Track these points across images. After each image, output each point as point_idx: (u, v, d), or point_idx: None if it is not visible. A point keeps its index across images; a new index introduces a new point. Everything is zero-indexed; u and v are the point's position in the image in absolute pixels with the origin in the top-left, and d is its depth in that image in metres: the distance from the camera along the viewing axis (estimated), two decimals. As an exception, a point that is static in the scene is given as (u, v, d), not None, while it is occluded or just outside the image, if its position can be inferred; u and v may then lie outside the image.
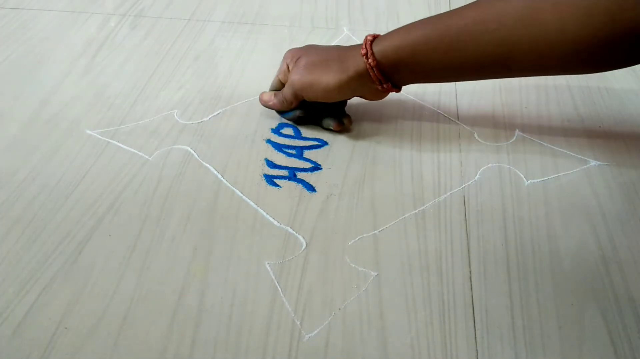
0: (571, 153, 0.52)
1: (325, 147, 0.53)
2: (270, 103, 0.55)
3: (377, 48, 0.48)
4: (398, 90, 0.51)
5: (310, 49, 0.53)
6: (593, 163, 0.51)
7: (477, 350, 0.37)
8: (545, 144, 0.53)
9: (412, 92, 0.60)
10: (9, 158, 0.51)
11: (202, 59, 0.65)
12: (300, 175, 0.50)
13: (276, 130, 0.55)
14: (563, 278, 0.41)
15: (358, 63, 0.49)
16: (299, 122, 0.55)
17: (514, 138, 0.54)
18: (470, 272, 0.42)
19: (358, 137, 0.54)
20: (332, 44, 0.68)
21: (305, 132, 0.55)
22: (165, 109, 0.57)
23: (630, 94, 0.60)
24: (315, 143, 0.53)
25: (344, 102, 0.55)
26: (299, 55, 0.52)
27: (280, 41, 0.69)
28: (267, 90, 0.56)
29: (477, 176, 0.50)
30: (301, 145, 0.53)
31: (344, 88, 0.50)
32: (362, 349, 0.37)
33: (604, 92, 0.61)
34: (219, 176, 0.49)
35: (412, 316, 0.39)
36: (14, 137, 0.54)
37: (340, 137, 0.54)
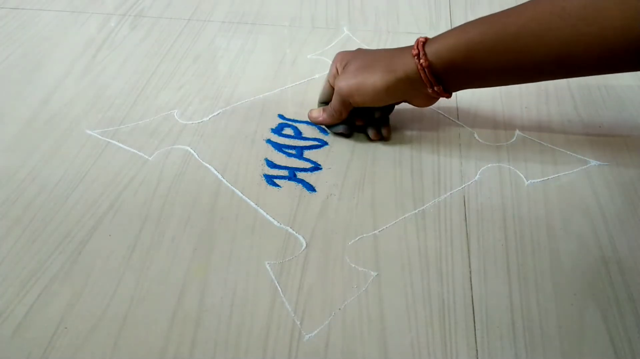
0: (571, 153, 0.52)
1: (325, 147, 0.53)
2: (320, 119, 0.53)
3: (429, 49, 0.46)
4: (449, 95, 0.48)
5: (359, 52, 0.51)
6: (593, 163, 0.51)
7: (477, 350, 0.37)
8: (545, 144, 0.53)
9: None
10: (9, 158, 0.51)
11: (202, 59, 0.65)
12: (300, 175, 0.50)
13: (276, 130, 0.55)
14: (563, 278, 0.41)
15: (408, 64, 0.47)
16: (346, 135, 0.54)
17: (514, 138, 0.54)
18: (470, 272, 0.42)
19: (358, 137, 0.54)
20: (332, 44, 0.68)
21: (306, 131, 0.55)
22: (165, 109, 0.57)
23: (630, 94, 0.60)
24: (315, 143, 0.53)
25: (389, 110, 0.53)
26: (347, 59, 0.50)
27: (280, 41, 0.69)
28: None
29: (477, 176, 0.50)
30: (301, 145, 0.53)
31: (392, 90, 0.48)
32: (362, 349, 0.37)
33: (604, 92, 0.61)
34: (219, 176, 0.49)
35: (412, 316, 0.39)
36: (14, 137, 0.54)
37: (340, 137, 0.54)
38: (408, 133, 0.54)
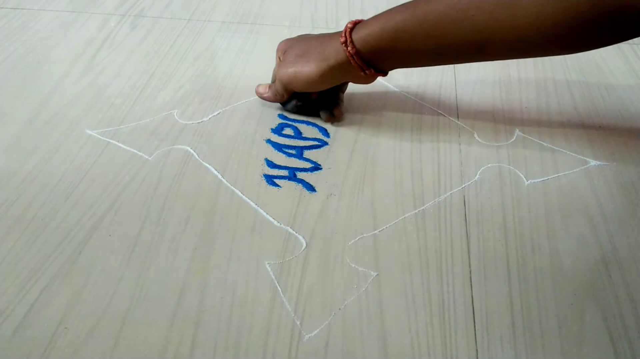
0: (571, 153, 0.52)
1: (325, 147, 0.53)
2: (265, 95, 0.56)
3: (356, 36, 0.48)
4: (384, 74, 0.51)
5: (297, 40, 0.54)
6: (593, 163, 0.51)
7: (477, 350, 0.37)
8: (545, 144, 0.53)
9: (412, 92, 0.60)
10: (9, 158, 0.51)
11: (202, 59, 0.65)
12: (300, 175, 0.50)
13: (276, 130, 0.55)
14: (563, 278, 0.41)
15: (338, 51, 0.49)
16: (298, 111, 0.56)
17: (514, 138, 0.54)
18: (470, 272, 0.42)
19: (358, 137, 0.54)
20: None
21: (306, 131, 0.55)
22: (165, 109, 0.57)
23: (630, 94, 0.60)
24: (315, 143, 0.53)
25: (336, 90, 0.56)
26: (286, 48, 0.53)
27: (280, 41, 0.69)
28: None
29: (477, 176, 0.50)
30: (301, 145, 0.53)
31: (326, 77, 0.51)
32: (362, 349, 0.37)
33: (604, 92, 0.61)
34: (219, 176, 0.49)
35: (412, 316, 0.39)
36: (14, 137, 0.54)
37: (340, 137, 0.54)
38: (408, 133, 0.54)
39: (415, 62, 0.51)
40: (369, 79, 0.52)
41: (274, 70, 0.57)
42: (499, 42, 0.45)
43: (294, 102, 0.55)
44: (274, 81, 0.57)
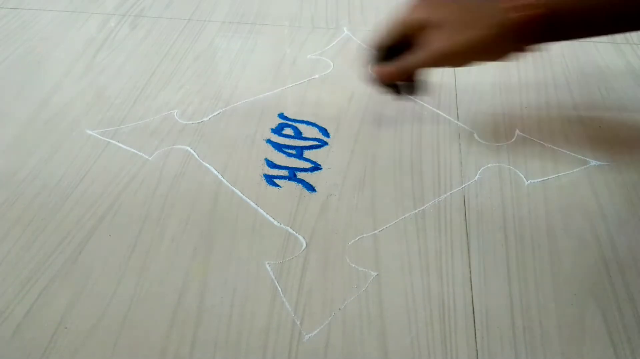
0: (571, 153, 0.52)
1: (325, 147, 0.53)
2: (395, 73, 0.47)
3: None
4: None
5: (449, 4, 0.44)
6: (593, 163, 0.51)
7: (477, 350, 0.37)
8: (545, 144, 0.53)
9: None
10: (9, 158, 0.51)
11: (202, 59, 0.65)
12: (300, 175, 0.50)
13: (276, 130, 0.55)
14: (563, 278, 0.41)
15: (517, 15, 0.41)
16: (416, 93, 0.50)
17: (514, 138, 0.54)
18: (470, 272, 0.42)
19: (358, 137, 0.54)
20: (332, 44, 0.68)
21: (306, 131, 0.55)
22: (165, 109, 0.57)
23: (630, 94, 0.60)
24: (315, 143, 0.53)
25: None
26: (441, 15, 0.43)
27: (280, 41, 0.69)
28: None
29: (477, 176, 0.50)
30: (301, 145, 0.53)
31: (501, 46, 0.43)
32: (362, 349, 0.37)
33: (604, 92, 0.61)
34: (219, 176, 0.49)
35: (412, 316, 0.39)
36: (14, 137, 0.54)
37: (340, 137, 0.54)
38: (408, 133, 0.54)
39: (593, 26, 0.43)
40: (523, 53, 0.44)
41: (391, 30, 0.46)
42: None
43: (409, 86, 0.49)
44: (379, 48, 0.48)
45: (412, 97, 0.49)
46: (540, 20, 0.41)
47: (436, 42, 0.43)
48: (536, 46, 0.43)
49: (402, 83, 0.50)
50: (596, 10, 0.41)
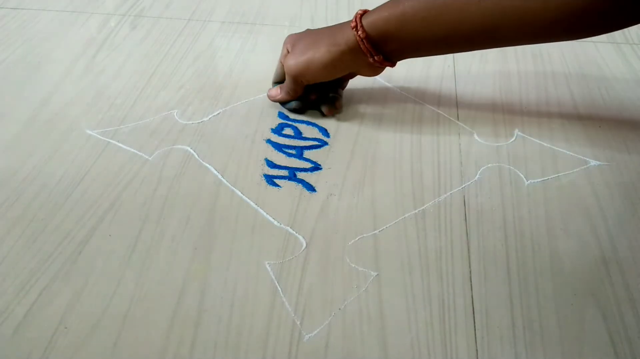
0: (571, 153, 0.52)
1: (325, 147, 0.53)
2: (279, 97, 0.56)
3: (366, 21, 0.49)
4: (392, 64, 0.52)
5: (305, 33, 0.54)
6: (593, 163, 0.51)
7: (477, 350, 0.37)
8: (545, 144, 0.53)
9: (412, 92, 0.60)
10: (9, 158, 0.51)
11: (202, 59, 0.65)
12: (300, 175, 0.50)
13: (276, 130, 0.55)
14: (563, 278, 0.41)
15: (348, 36, 0.50)
16: (300, 110, 0.56)
17: (514, 138, 0.54)
18: (470, 272, 0.42)
19: (358, 137, 0.54)
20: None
21: (306, 131, 0.55)
22: (165, 109, 0.57)
23: (630, 94, 0.60)
24: (315, 143, 0.53)
25: (337, 86, 0.56)
26: (294, 40, 0.54)
27: (280, 41, 0.69)
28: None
29: (477, 176, 0.50)
30: (301, 145, 0.53)
31: (338, 63, 0.51)
32: (362, 349, 0.37)
33: (604, 92, 0.61)
34: (219, 176, 0.49)
35: (412, 316, 0.39)
36: (14, 137, 0.54)
37: (340, 137, 0.54)
38: (408, 133, 0.54)
39: (423, 49, 0.51)
40: (377, 69, 0.53)
41: (276, 70, 0.57)
42: (505, 28, 0.46)
43: (293, 105, 0.56)
44: (276, 81, 0.57)
45: (297, 110, 0.56)
46: (366, 41, 0.49)
47: (287, 61, 0.53)
48: (390, 62, 0.51)
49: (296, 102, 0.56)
50: (405, 34, 0.48)
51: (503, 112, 0.57)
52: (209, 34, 0.71)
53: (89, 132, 0.54)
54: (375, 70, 0.53)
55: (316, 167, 0.51)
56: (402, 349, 0.37)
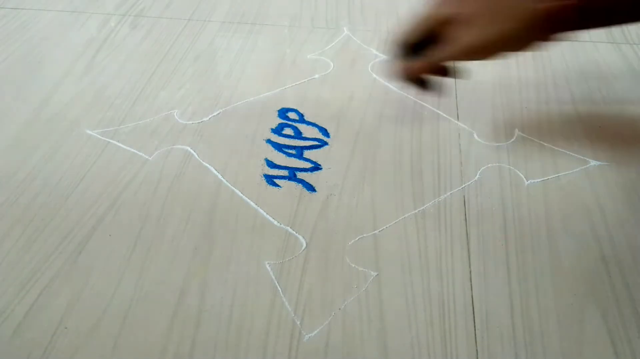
0: (571, 153, 0.52)
1: (325, 147, 0.53)
2: (424, 67, 0.47)
3: None
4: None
5: None
6: (593, 163, 0.51)
7: (477, 350, 0.37)
8: (545, 144, 0.53)
9: (412, 92, 0.60)
10: (9, 158, 0.51)
11: (202, 59, 0.65)
12: (300, 175, 0.50)
13: (276, 130, 0.55)
14: (563, 278, 0.41)
15: (548, 6, 0.41)
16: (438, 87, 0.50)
17: (514, 138, 0.54)
18: (470, 272, 0.42)
19: (358, 137, 0.54)
20: (332, 44, 0.68)
21: (306, 131, 0.55)
22: (165, 109, 0.57)
23: (630, 94, 0.60)
24: (315, 143, 0.53)
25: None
26: (463, 9, 0.43)
27: (280, 41, 0.69)
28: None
29: (477, 176, 0.50)
30: (301, 145, 0.53)
31: (531, 36, 0.43)
32: (362, 349, 0.37)
33: (604, 92, 0.61)
34: (219, 176, 0.49)
35: (412, 316, 0.39)
36: (14, 137, 0.54)
37: (340, 137, 0.54)
38: (408, 133, 0.54)
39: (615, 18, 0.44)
40: (547, 42, 0.43)
41: (417, 24, 0.46)
42: None
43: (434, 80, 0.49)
44: (404, 44, 0.48)
45: (435, 92, 0.50)
46: (572, 9, 0.41)
47: (466, 36, 0.43)
48: (563, 35, 0.43)
49: (427, 78, 0.49)
50: None
51: (503, 112, 0.57)
52: (209, 34, 0.71)
53: (89, 132, 0.54)
54: (534, 47, 0.44)
55: (316, 167, 0.51)
56: (402, 349, 0.37)
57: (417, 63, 0.47)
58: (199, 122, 0.56)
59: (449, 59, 0.47)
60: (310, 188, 0.48)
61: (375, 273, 0.41)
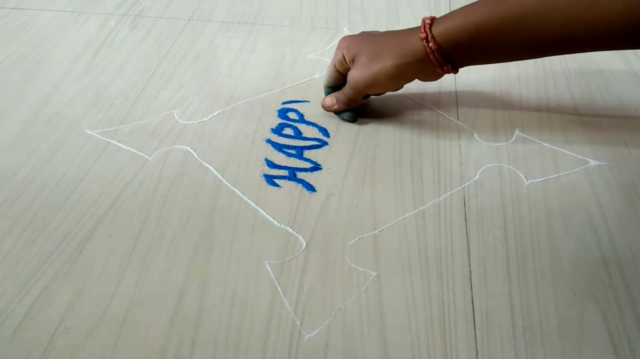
0: (571, 153, 0.52)
1: (325, 147, 0.53)
2: (335, 107, 0.55)
3: (436, 31, 0.48)
4: (456, 71, 0.51)
5: (365, 39, 0.52)
6: (593, 163, 0.51)
7: (477, 350, 0.37)
8: (545, 144, 0.53)
9: (412, 92, 0.60)
10: (9, 158, 0.51)
11: (202, 59, 0.65)
12: (300, 175, 0.50)
13: (276, 130, 0.55)
14: (563, 278, 0.41)
15: (417, 47, 0.48)
16: (354, 119, 0.55)
17: (514, 138, 0.54)
18: (470, 272, 0.42)
19: (358, 137, 0.54)
20: (332, 44, 0.68)
21: (306, 131, 0.55)
22: (165, 109, 0.57)
23: (630, 94, 0.60)
24: (315, 143, 0.53)
25: None
26: (355, 49, 0.51)
27: (280, 41, 0.69)
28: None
29: (477, 176, 0.50)
30: (301, 145, 0.53)
31: (405, 75, 0.51)
32: (362, 349, 0.37)
33: (604, 92, 0.61)
34: (219, 176, 0.49)
35: (412, 316, 0.39)
36: (14, 137, 0.54)
37: (340, 137, 0.54)
38: (408, 133, 0.54)
39: (493, 57, 0.51)
40: (439, 75, 0.52)
41: (329, 74, 0.55)
42: (581, 36, 0.45)
43: (350, 113, 0.55)
44: (331, 78, 0.55)
45: (352, 120, 0.55)
46: (437, 51, 0.48)
47: (352, 74, 0.52)
48: (455, 70, 0.50)
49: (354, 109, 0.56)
50: (479, 44, 0.47)
51: (503, 112, 0.57)
52: (209, 34, 0.71)
53: (89, 132, 0.54)
54: (437, 76, 0.52)
55: (316, 167, 0.51)
56: (402, 349, 0.37)
57: (328, 100, 0.55)
58: (199, 122, 0.56)
59: (349, 96, 0.53)
60: (310, 188, 0.48)
61: (375, 273, 0.41)
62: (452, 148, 0.53)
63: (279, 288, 0.40)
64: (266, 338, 0.37)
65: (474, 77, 0.63)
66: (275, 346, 0.37)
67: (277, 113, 0.57)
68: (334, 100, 0.55)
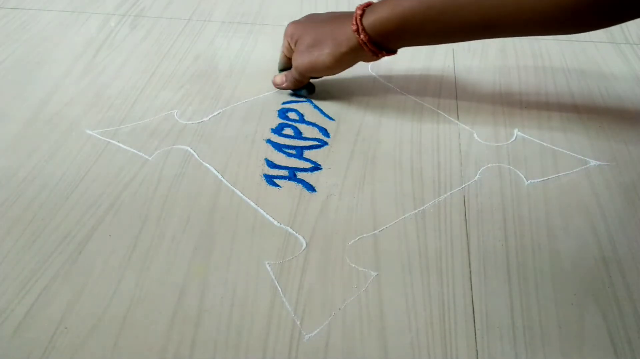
0: (571, 153, 0.52)
1: (325, 147, 0.53)
2: (284, 85, 0.59)
3: (366, 22, 0.50)
4: (394, 53, 0.53)
5: (307, 26, 0.55)
6: (593, 163, 0.51)
7: (477, 350, 0.37)
8: (545, 144, 0.53)
9: (412, 92, 0.60)
10: (9, 158, 0.51)
11: (202, 59, 0.65)
12: (300, 175, 0.50)
13: (276, 130, 0.55)
14: (563, 278, 0.41)
15: (350, 37, 0.51)
16: (311, 93, 0.59)
17: (514, 138, 0.54)
18: (470, 272, 0.42)
19: (358, 137, 0.54)
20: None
21: (306, 131, 0.55)
22: (165, 109, 0.57)
23: (630, 94, 0.60)
24: (315, 143, 0.53)
25: None
26: (297, 35, 0.55)
27: (280, 41, 0.69)
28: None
29: (477, 176, 0.50)
30: (301, 145, 0.53)
31: (342, 62, 0.53)
32: (362, 349, 0.37)
33: (604, 92, 0.61)
34: (219, 176, 0.49)
35: (412, 316, 0.39)
36: (14, 137, 0.54)
37: (340, 137, 0.54)
38: (408, 133, 0.54)
39: (423, 41, 0.53)
40: (378, 57, 0.53)
41: (280, 59, 0.59)
42: (504, 22, 0.46)
43: (306, 91, 0.59)
44: (282, 65, 0.59)
45: (307, 96, 0.59)
46: (368, 42, 0.50)
47: (295, 58, 0.55)
48: (392, 52, 0.52)
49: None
50: (406, 32, 0.49)
51: (503, 112, 0.57)
52: (209, 34, 0.71)
53: (89, 132, 0.54)
54: (376, 58, 0.54)
55: (316, 167, 0.51)
56: (402, 349, 0.37)
57: (277, 78, 0.59)
58: (199, 122, 0.56)
59: (296, 77, 0.57)
60: (310, 188, 0.48)
61: (375, 273, 0.41)
62: (452, 148, 0.53)
63: (279, 288, 0.40)
64: (266, 338, 0.37)
65: (473, 77, 0.63)
66: (275, 346, 0.37)
67: (277, 113, 0.57)
68: (284, 79, 0.58)
